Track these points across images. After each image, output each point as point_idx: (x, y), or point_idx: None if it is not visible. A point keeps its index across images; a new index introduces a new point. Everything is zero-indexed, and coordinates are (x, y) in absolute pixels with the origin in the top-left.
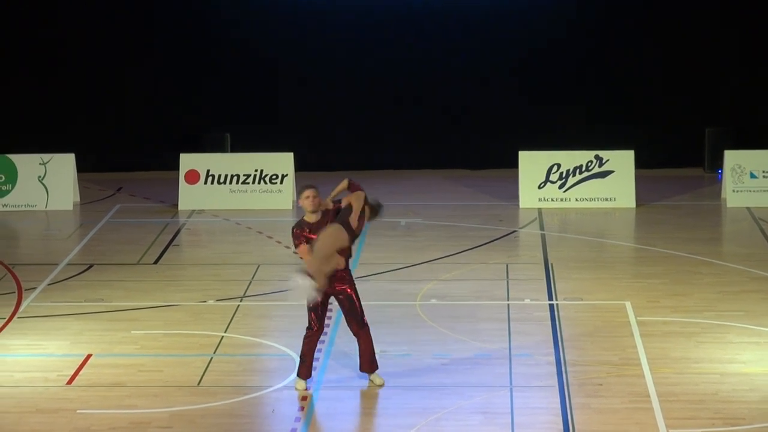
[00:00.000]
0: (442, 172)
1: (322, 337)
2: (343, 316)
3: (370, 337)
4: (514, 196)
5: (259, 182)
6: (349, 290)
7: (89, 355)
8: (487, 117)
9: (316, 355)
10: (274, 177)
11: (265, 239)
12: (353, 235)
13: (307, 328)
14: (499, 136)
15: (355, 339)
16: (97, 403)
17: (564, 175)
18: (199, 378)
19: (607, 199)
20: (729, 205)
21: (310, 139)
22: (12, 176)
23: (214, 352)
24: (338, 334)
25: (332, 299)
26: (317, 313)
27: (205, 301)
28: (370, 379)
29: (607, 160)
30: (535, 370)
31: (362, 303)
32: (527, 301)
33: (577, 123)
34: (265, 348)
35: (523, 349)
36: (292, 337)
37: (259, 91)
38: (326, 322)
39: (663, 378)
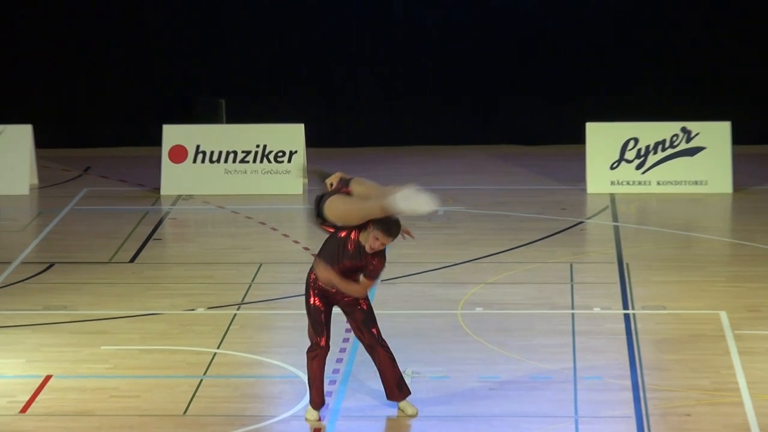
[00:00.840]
0: (489, 149)
1: (339, 354)
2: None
3: (390, 356)
4: (581, 178)
5: (261, 161)
6: (362, 302)
7: (49, 377)
8: (547, 80)
9: (331, 376)
10: (280, 154)
11: (269, 232)
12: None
13: (310, 347)
14: (562, 103)
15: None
16: None
17: (643, 153)
18: (186, 405)
19: (696, 183)
20: None
21: (325, 108)
22: None
23: (205, 373)
24: (359, 351)
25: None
26: (319, 326)
27: (193, 310)
28: (399, 408)
29: (697, 134)
30: (606, 397)
31: (380, 313)
32: (597, 310)
33: (659, 88)
34: (269, 368)
35: (591, 370)
36: (301, 354)
37: (261, 48)
38: (344, 334)
39: (767, 407)
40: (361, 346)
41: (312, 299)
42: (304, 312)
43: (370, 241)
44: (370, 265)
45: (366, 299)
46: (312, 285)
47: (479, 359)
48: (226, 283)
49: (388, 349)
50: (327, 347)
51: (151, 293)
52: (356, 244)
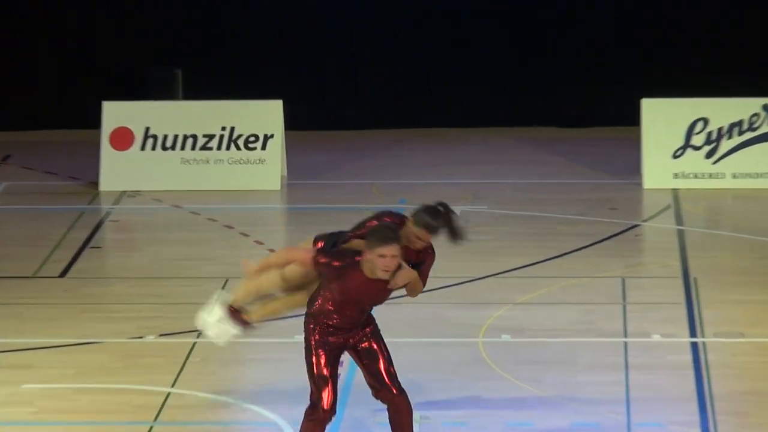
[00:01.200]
0: (518, 131)
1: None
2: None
3: (409, 406)
4: (634, 169)
5: (228, 147)
6: (372, 340)
7: None
8: (590, 45)
9: None
10: (252, 139)
11: (238, 239)
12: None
13: (311, 407)
14: (610, 75)
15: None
16: None
17: (714, 137)
18: None
19: None
20: None
21: (309, 82)
22: None
23: (156, 419)
24: (357, 380)
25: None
26: (323, 382)
27: (141, 337)
28: None
29: None
30: None
31: (390, 352)
32: (656, 337)
33: (735, 55)
34: (238, 412)
35: (649, 414)
36: (281, 394)
37: (227, 5)
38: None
39: None
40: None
41: (313, 351)
42: (284, 340)
43: (378, 267)
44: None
45: (377, 335)
46: (312, 329)
47: (506, 401)
48: (183, 304)
49: (407, 398)
50: (332, 411)
51: (88, 316)
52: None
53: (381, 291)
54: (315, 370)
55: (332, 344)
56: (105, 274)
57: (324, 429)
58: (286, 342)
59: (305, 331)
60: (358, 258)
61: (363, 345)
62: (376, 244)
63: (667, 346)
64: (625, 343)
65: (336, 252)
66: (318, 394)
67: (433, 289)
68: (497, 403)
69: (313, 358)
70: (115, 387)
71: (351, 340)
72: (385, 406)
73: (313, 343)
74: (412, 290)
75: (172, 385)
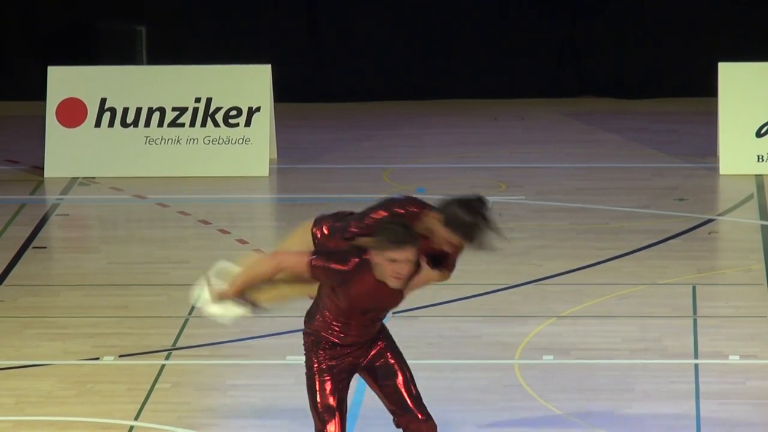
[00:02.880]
0: (563, 104)
1: None
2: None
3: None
4: (708, 150)
5: (204, 123)
6: (388, 355)
7: None
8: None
9: None
10: (233, 113)
11: (217, 236)
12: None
13: None
14: (678, 35)
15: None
16: None
17: None
18: None
19: None
20: None
21: (303, 43)
22: None
23: None
24: (366, 401)
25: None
26: (329, 412)
27: (97, 359)
28: None
29: None
30: None
31: (414, 378)
32: (734, 359)
33: None
34: None
35: None
36: (268, 429)
37: None
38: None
39: None
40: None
41: (316, 376)
42: (274, 362)
43: (388, 272)
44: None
45: (395, 352)
46: (313, 349)
47: None
48: (149, 317)
49: (434, 426)
50: None
51: (31, 333)
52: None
53: (396, 294)
54: (318, 399)
55: (339, 367)
56: (52, 280)
57: None
58: (277, 364)
59: (305, 351)
60: (366, 256)
61: (377, 363)
62: (385, 245)
63: (748, 369)
64: (696, 366)
65: (336, 253)
66: (322, 427)
67: (457, 300)
68: None
69: (317, 384)
70: (66, 420)
71: (362, 360)
72: None
73: (315, 366)
74: (436, 281)
75: (136, 418)
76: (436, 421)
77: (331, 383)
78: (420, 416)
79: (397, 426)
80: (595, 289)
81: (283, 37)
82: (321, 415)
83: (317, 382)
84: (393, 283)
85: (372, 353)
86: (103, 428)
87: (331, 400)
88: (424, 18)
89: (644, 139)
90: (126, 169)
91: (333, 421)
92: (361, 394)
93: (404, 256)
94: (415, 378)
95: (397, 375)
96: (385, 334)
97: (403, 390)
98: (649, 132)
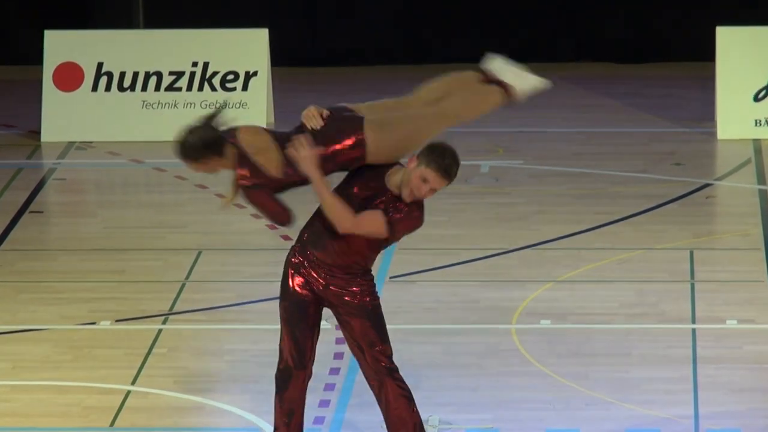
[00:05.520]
0: (560, 69)
1: (329, 378)
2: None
3: (406, 395)
4: (705, 115)
5: (201, 87)
6: (357, 301)
7: None
8: None
9: (317, 411)
10: (230, 77)
11: (213, 201)
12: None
13: (280, 370)
14: None
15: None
16: None
17: None
18: None
19: None
20: None
21: (300, 5)
22: None
23: (112, 424)
24: (359, 381)
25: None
26: (300, 335)
27: (94, 323)
28: None
29: None
30: None
31: (392, 328)
32: (732, 323)
33: None
34: (213, 415)
35: (723, 419)
36: (266, 393)
37: None
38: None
39: None
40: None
41: (291, 289)
42: (270, 326)
43: (412, 184)
44: (399, 214)
45: (372, 295)
46: (293, 268)
47: (546, 402)
48: (146, 282)
49: (403, 382)
50: (307, 371)
51: (28, 297)
52: (378, 173)
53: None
54: (293, 319)
55: (316, 287)
56: (48, 245)
57: (303, 392)
58: (275, 329)
59: (285, 264)
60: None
61: (356, 313)
62: (436, 168)
63: (745, 334)
64: (693, 331)
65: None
66: (290, 353)
67: (455, 264)
68: (534, 404)
69: (290, 302)
70: (62, 384)
71: (343, 298)
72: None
73: (291, 278)
74: (330, 213)
75: (133, 383)
76: (435, 386)
77: (307, 307)
78: (390, 368)
79: (368, 380)
80: (592, 253)
81: (281, 2)
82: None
83: (291, 304)
84: (407, 196)
85: (346, 297)
86: (99, 393)
87: (305, 322)
88: None
89: (642, 104)
90: (123, 133)
91: (306, 349)
92: (355, 371)
93: (439, 185)
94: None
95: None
96: (362, 283)
97: (371, 343)
98: (647, 97)
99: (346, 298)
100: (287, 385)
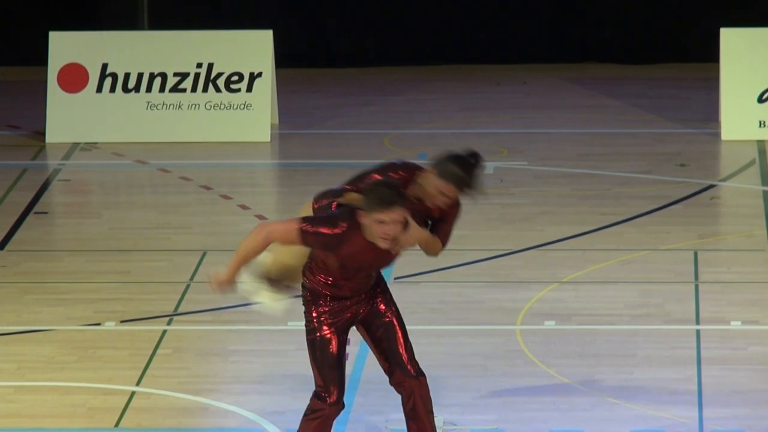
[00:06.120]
0: (567, 69)
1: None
2: (373, 354)
3: (427, 392)
4: (709, 116)
5: (205, 89)
6: (384, 309)
7: None
8: None
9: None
10: (235, 79)
11: (218, 202)
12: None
13: (314, 399)
14: None
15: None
16: None
17: None
18: None
19: None
20: None
21: (304, 7)
22: None
23: (117, 424)
24: (365, 377)
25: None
26: (330, 368)
27: (98, 324)
28: None
29: None
30: None
31: (408, 334)
32: (736, 324)
33: None
34: (218, 416)
35: (726, 420)
36: (271, 395)
37: None
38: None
39: None
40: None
41: (316, 327)
42: (275, 327)
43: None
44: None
45: (393, 310)
46: (312, 302)
47: (550, 403)
48: (151, 283)
49: (425, 381)
50: (339, 404)
51: (32, 298)
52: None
53: (387, 253)
54: (319, 354)
55: (338, 319)
56: (53, 246)
57: (330, 427)
58: (279, 330)
59: (304, 304)
60: (356, 218)
61: (374, 318)
62: (373, 206)
63: (749, 335)
64: (697, 332)
65: (325, 217)
66: (324, 384)
67: (460, 265)
68: (538, 405)
69: (317, 339)
70: (67, 385)
71: (361, 311)
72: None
73: (315, 320)
74: (429, 249)
75: (137, 383)
76: (440, 387)
77: (332, 337)
78: (412, 372)
79: (391, 384)
80: (597, 254)
81: (285, 3)
82: (321, 370)
83: (318, 337)
84: (382, 244)
85: (369, 308)
86: (104, 394)
87: (332, 355)
88: None
89: (646, 104)
90: (127, 134)
91: (334, 375)
92: (362, 361)
93: (391, 217)
94: (408, 335)
95: (392, 330)
96: (382, 288)
97: (396, 345)
98: (651, 98)
99: (375, 309)
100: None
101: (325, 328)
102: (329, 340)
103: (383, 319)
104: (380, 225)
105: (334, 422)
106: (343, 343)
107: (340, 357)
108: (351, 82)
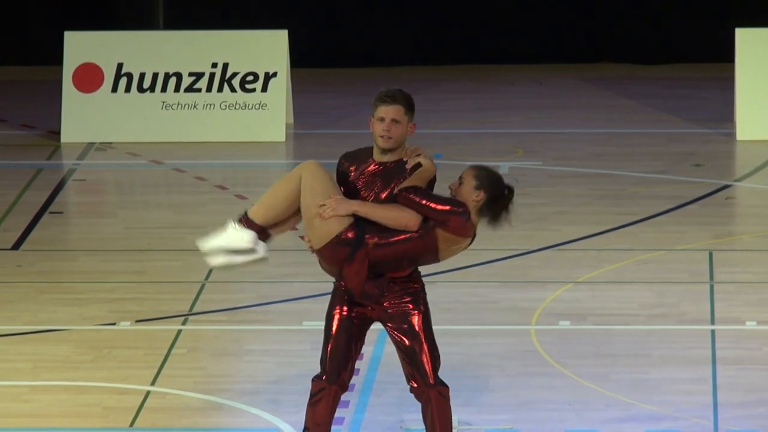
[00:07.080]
0: (580, 70)
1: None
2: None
3: (447, 403)
4: (725, 116)
5: (220, 89)
6: (415, 314)
7: None
8: None
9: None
10: (250, 78)
11: (233, 202)
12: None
13: (314, 378)
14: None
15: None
16: None
17: None
18: None
19: None
20: None
21: (320, 7)
22: None
23: (132, 424)
24: (378, 377)
25: (377, 326)
26: (340, 352)
27: (114, 324)
28: None
29: None
30: None
31: (435, 342)
32: (751, 325)
33: None
34: (233, 416)
35: (741, 420)
36: (285, 395)
37: None
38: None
39: None
40: (389, 356)
41: (337, 310)
42: (289, 327)
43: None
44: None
45: (422, 311)
46: (341, 292)
47: (565, 402)
48: (166, 283)
49: (447, 392)
50: (342, 386)
51: (48, 298)
52: None
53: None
54: (338, 338)
55: (364, 307)
56: (68, 245)
57: (334, 406)
58: (294, 330)
59: (334, 288)
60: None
61: (402, 322)
62: (375, 102)
63: (764, 335)
64: (713, 332)
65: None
66: (322, 358)
67: (475, 265)
68: (554, 405)
69: (334, 321)
70: (82, 385)
71: (389, 306)
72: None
73: (338, 300)
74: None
75: (152, 383)
76: (455, 387)
77: (352, 327)
78: (431, 381)
79: (411, 392)
80: (612, 254)
81: (300, 2)
82: (324, 346)
83: (337, 323)
84: (382, 143)
85: (390, 305)
86: (119, 393)
87: (331, 331)
88: None
89: (661, 104)
90: (143, 134)
91: (333, 353)
92: (377, 361)
93: (391, 113)
94: (435, 342)
95: (416, 336)
96: (416, 294)
97: (419, 353)
98: (667, 97)
99: (401, 306)
100: None
101: (344, 312)
102: (333, 317)
103: (410, 325)
104: (379, 123)
105: (345, 421)
106: (359, 334)
107: (341, 336)
108: (366, 81)
